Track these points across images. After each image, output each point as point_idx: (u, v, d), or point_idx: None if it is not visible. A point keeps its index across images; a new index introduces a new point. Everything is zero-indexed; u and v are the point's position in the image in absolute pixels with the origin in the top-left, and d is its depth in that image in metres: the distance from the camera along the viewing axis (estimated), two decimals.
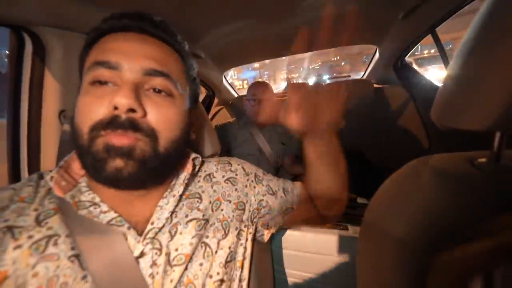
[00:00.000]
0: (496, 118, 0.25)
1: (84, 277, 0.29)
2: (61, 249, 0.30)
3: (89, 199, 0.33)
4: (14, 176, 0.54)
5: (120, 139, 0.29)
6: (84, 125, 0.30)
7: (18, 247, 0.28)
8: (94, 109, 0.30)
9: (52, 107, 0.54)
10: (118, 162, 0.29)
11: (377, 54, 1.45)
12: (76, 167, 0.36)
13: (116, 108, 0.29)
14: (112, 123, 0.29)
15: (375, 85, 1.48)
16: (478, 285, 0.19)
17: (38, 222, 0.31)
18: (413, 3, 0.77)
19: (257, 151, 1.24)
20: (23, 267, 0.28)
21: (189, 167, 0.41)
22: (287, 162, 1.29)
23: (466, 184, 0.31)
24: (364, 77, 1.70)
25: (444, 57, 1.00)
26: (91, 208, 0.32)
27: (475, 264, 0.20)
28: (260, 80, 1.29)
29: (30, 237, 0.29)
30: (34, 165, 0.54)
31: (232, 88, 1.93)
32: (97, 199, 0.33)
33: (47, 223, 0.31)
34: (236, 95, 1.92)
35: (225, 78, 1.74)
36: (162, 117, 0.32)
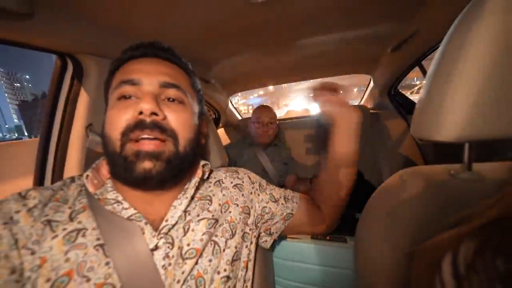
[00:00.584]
0: (462, 130, 0.31)
1: (107, 263, 0.33)
2: (88, 239, 0.34)
3: (113, 197, 0.38)
4: (39, 179, 0.59)
5: (148, 145, 0.35)
6: (114, 132, 0.35)
7: (55, 237, 0.33)
8: (121, 117, 0.35)
9: (81, 122, 0.61)
10: (147, 164, 0.35)
11: (372, 83, 1.58)
12: (104, 170, 0.42)
13: (141, 112, 0.35)
14: (139, 125, 0.35)
15: (371, 111, 1.58)
16: (448, 260, 0.23)
17: (71, 218, 0.35)
18: (401, 38, 0.88)
19: (260, 170, 1.28)
20: (58, 253, 0.32)
21: (199, 173, 0.46)
22: (289, 181, 1.33)
23: (444, 190, 0.36)
24: (361, 103, 1.81)
25: None
26: (115, 205, 0.37)
27: (446, 246, 0.24)
28: (264, 104, 1.39)
29: (64, 229, 0.34)
30: (59, 170, 0.60)
31: (237, 111, 2.04)
32: (120, 198, 0.38)
33: (77, 218, 0.36)
34: (240, 118, 2.02)
35: (231, 102, 1.86)
36: (179, 120, 0.39)
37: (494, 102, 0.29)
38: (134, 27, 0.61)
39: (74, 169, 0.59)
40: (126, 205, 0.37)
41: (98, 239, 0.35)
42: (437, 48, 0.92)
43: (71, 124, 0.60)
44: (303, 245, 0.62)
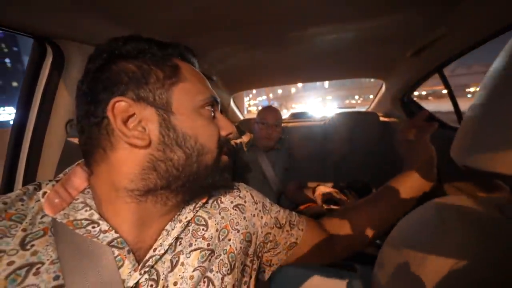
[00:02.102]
0: None
1: None
2: (42, 279, 0.26)
3: (86, 216, 0.30)
4: (8, 181, 0.52)
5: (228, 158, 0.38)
6: (211, 143, 0.34)
7: None
8: (217, 131, 0.36)
9: (60, 116, 0.54)
10: (229, 174, 0.38)
11: (383, 88, 1.49)
12: (77, 181, 0.33)
13: (230, 133, 0.38)
14: (227, 143, 0.38)
15: (381, 119, 1.49)
16: None
17: (23, 245, 0.27)
18: (424, 42, 0.80)
19: (260, 175, 1.21)
20: None
21: (204, 197, 0.39)
22: (290, 189, 1.26)
23: (494, 231, 0.28)
24: (370, 109, 1.73)
25: (451, 94, 1.01)
26: (89, 227, 0.29)
27: None
28: (270, 105, 1.32)
29: (10, 263, 0.26)
30: (31, 172, 0.52)
31: (239, 110, 1.96)
32: (95, 217, 0.30)
33: (33, 246, 0.28)
34: (241, 118, 1.95)
35: (233, 101, 1.79)
36: None
37: None
38: (127, 14, 0.53)
39: (50, 173, 0.52)
40: (104, 226, 0.29)
41: (56, 277, 0.27)
42: (463, 54, 0.84)
43: (48, 119, 0.53)
44: (305, 274, 0.54)
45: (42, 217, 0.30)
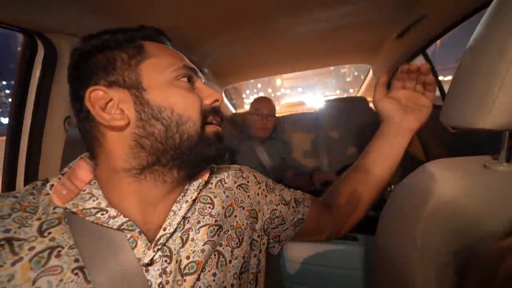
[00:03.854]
0: (505, 117, 0.27)
1: None
2: (64, 261, 0.27)
3: (94, 205, 0.31)
4: (9, 182, 0.51)
5: (219, 129, 0.37)
6: (193, 113, 0.34)
7: (17, 261, 0.26)
8: (197, 100, 0.35)
9: (57, 113, 0.53)
10: (221, 144, 0.37)
11: (371, 73, 1.53)
12: (82, 173, 0.34)
13: (217, 100, 0.37)
14: (214, 110, 0.37)
15: (370, 103, 1.54)
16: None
17: (41, 232, 0.28)
18: (407, 24, 0.83)
19: (258, 165, 1.23)
20: (22, 283, 0.25)
21: (204, 174, 0.40)
22: (287, 176, 1.29)
23: (480, 185, 0.31)
24: (359, 94, 1.77)
25: (435, 74, 1.06)
26: (99, 215, 0.30)
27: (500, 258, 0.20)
28: (264, 96, 1.34)
29: (31, 248, 0.27)
30: (32, 172, 0.52)
31: (231, 104, 1.96)
32: (103, 204, 0.31)
33: (50, 233, 0.28)
34: (233, 111, 1.95)
35: (225, 94, 1.78)
36: None
37: None
38: (119, 7, 0.52)
39: (52, 171, 0.52)
40: (113, 212, 0.30)
41: (76, 260, 0.28)
42: (444, 34, 0.88)
43: (45, 117, 0.52)
44: (312, 245, 0.57)
45: (54, 208, 0.31)
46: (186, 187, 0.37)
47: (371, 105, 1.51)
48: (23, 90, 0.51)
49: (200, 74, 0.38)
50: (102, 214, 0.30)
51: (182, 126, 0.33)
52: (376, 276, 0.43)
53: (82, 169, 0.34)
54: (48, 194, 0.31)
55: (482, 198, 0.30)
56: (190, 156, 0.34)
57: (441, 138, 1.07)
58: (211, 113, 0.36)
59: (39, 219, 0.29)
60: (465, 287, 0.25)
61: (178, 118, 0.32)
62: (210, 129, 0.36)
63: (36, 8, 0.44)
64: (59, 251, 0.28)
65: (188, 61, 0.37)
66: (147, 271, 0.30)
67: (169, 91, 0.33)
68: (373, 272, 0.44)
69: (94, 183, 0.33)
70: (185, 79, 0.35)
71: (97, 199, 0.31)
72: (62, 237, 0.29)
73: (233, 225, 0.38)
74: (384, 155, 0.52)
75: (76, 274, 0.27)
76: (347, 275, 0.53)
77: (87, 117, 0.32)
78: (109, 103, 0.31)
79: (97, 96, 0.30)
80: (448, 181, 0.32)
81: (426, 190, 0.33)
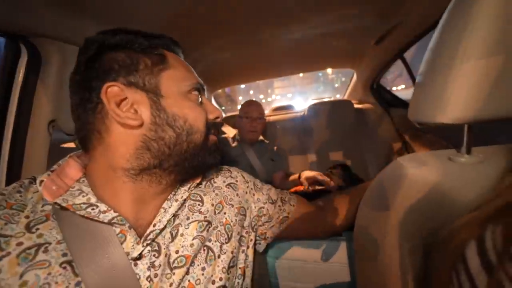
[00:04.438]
0: (463, 111, 0.30)
1: (77, 284, 0.27)
2: (51, 255, 0.28)
3: (84, 201, 0.31)
4: None
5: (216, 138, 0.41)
6: (200, 124, 0.37)
7: (4, 256, 0.26)
8: (204, 113, 0.38)
9: (41, 117, 0.52)
10: (218, 153, 0.40)
11: (355, 77, 1.60)
12: (72, 171, 0.35)
13: (217, 117, 0.40)
14: (213, 126, 0.40)
15: (355, 106, 1.60)
16: (473, 248, 0.20)
17: (29, 228, 0.29)
18: (384, 30, 0.89)
19: (248, 167, 1.25)
20: (9, 277, 0.25)
21: (197, 177, 0.41)
22: (277, 178, 1.30)
23: (445, 175, 0.34)
24: (345, 97, 1.84)
25: (412, 77, 1.12)
26: (89, 209, 0.30)
27: (467, 234, 0.22)
28: (252, 100, 1.36)
29: (19, 244, 0.27)
30: (14, 177, 0.51)
31: (219, 108, 1.98)
32: (93, 200, 0.31)
33: (38, 230, 0.29)
34: (223, 115, 1.96)
35: (214, 98, 1.79)
36: None
37: (496, 82, 0.28)
38: (106, 12, 0.53)
39: (35, 174, 0.51)
40: (103, 207, 0.31)
41: (64, 254, 0.28)
42: (419, 39, 0.94)
43: (28, 121, 0.51)
44: (298, 243, 0.59)
45: (42, 206, 0.31)
46: (177, 186, 0.38)
47: (355, 107, 1.57)
48: (5, 95, 0.50)
49: (205, 89, 0.41)
50: (93, 209, 0.30)
51: (191, 136, 0.35)
52: (357, 266, 0.45)
53: (72, 167, 0.35)
54: (36, 191, 0.32)
55: (447, 187, 0.33)
56: (192, 163, 0.36)
57: (420, 135, 1.13)
58: (213, 126, 0.40)
59: (27, 216, 0.29)
60: (429, 268, 0.27)
61: (189, 128, 0.35)
62: (211, 139, 0.39)
63: (20, 12, 0.44)
64: (46, 247, 0.28)
65: (198, 77, 0.40)
66: (135, 265, 0.31)
67: (183, 103, 0.35)
68: (355, 263, 0.46)
69: (84, 180, 0.33)
70: (197, 93, 0.38)
71: (86, 195, 0.31)
72: (50, 233, 0.29)
73: (222, 222, 0.40)
74: None
75: (64, 267, 0.27)
76: (332, 269, 0.55)
77: (94, 108, 0.32)
78: (123, 101, 0.32)
79: (112, 91, 0.31)
80: (417, 173, 0.35)
81: (397, 182, 0.36)
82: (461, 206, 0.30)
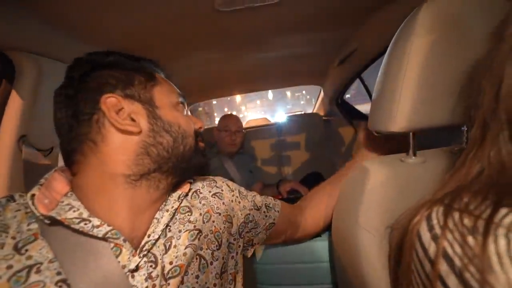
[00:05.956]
0: (408, 121, 0.38)
1: None
2: (45, 275, 0.27)
3: (75, 215, 0.31)
4: None
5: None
6: (190, 131, 0.41)
7: None
8: (191, 123, 0.42)
9: (11, 132, 0.49)
10: (206, 158, 0.45)
11: (322, 93, 1.76)
12: (57, 185, 0.34)
13: (201, 127, 0.44)
14: (199, 134, 0.44)
15: (323, 118, 1.75)
16: (424, 226, 0.27)
17: (17, 250, 0.27)
18: (344, 54, 1.03)
19: (228, 179, 1.26)
20: None
21: (186, 186, 0.43)
22: (256, 189, 1.34)
23: (398, 174, 0.42)
24: (314, 111, 2.00)
25: (369, 94, 1.29)
26: (82, 224, 0.30)
27: (419, 215, 0.28)
28: (231, 113, 1.41)
29: (9, 267, 0.26)
30: None
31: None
32: (85, 214, 0.31)
33: (27, 251, 0.28)
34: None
35: (190, 113, 1.79)
36: None
37: (431, 97, 0.37)
38: (83, 26, 0.54)
39: (4, 193, 0.47)
40: (96, 222, 0.31)
41: (59, 273, 0.28)
42: (374, 62, 1.11)
43: None
44: (282, 247, 0.63)
45: (28, 225, 0.30)
46: (167, 197, 0.40)
47: (324, 119, 1.72)
48: None
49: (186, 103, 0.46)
50: (85, 224, 0.30)
51: (186, 139, 0.39)
52: (335, 263, 0.50)
53: (58, 181, 0.34)
54: (18, 210, 0.31)
55: (400, 183, 0.41)
56: (188, 163, 0.40)
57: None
58: (199, 134, 0.44)
59: (13, 237, 0.28)
60: (394, 250, 0.33)
61: (183, 132, 0.38)
62: (200, 144, 0.44)
63: None
64: (38, 268, 0.27)
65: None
66: (133, 276, 0.31)
67: (174, 112, 0.39)
68: (331, 257, 0.51)
69: (72, 194, 0.33)
70: (182, 106, 0.42)
71: (78, 209, 0.31)
72: (40, 253, 0.28)
73: (211, 230, 0.41)
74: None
75: (60, 286, 0.27)
76: (315, 268, 0.59)
77: (89, 120, 0.33)
78: (120, 111, 0.34)
79: (111, 102, 0.34)
80: (378, 172, 0.42)
81: (363, 181, 0.42)
82: (412, 196, 0.38)
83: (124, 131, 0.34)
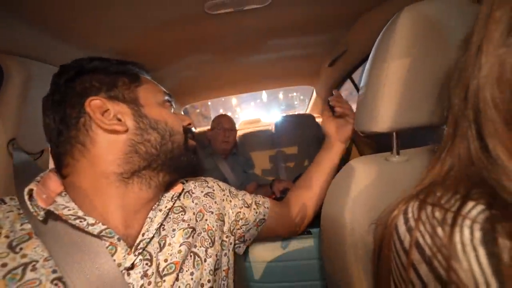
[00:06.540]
0: (390, 122, 0.39)
1: None
2: (41, 273, 0.27)
3: (71, 213, 0.31)
4: None
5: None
6: (179, 128, 0.41)
7: None
8: (179, 120, 0.42)
9: (0, 135, 0.49)
10: (197, 155, 0.45)
11: (315, 93, 1.79)
12: (52, 184, 0.34)
13: (189, 124, 0.45)
14: (189, 131, 0.44)
15: (316, 119, 1.77)
16: (401, 219, 0.28)
17: (12, 248, 0.28)
18: (334, 56, 1.05)
19: (222, 180, 1.26)
20: None
21: (179, 187, 0.44)
22: (250, 189, 1.35)
23: (382, 172, 0.43)
24: (307, 112, 2.02)
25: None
26: (77, 221, 0.31)
27: (398, 210, 0.30)
28: (223, 113, 1.42)
29: (4, 265, 0.26)
30: None
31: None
32: (80, 213, 0.31)
33: (22, 249, 0.28)
34: (194, 130, 1.96)
35: (183, 113, 1.79)
36: None
37: (412, 99, 0.38)
38: (70, 29, 0.54)
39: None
40: (91, 220, 0.31)
41: (54, 271, 0.28)
42: (363, 63, 1.14)
43: None
44: (273, 245, 0.64)
45: (21, 225, 0.31)
46: (160, 197, 0.40)
47: (317, 120, 1.75)
48: None
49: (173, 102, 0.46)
50: (81, 221, 0.31)
51: (173, 136, 0.39)
52: (324, 260, 0.51)
53: (53, 181, 0.35)
54: (10, 211, 0.31)
55: (384, 181, 0.42)
56: (178, 161, 0.40)
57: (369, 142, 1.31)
58: (188, 132, 0.45)
59: (7, 236, 0.29)
60: (377, 245, 0.35)
61: (171, 129, 0.39)
62: (190, 142, 0.44)
63: None
64: (34, 265, 0.28)
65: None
66: (128, 274, 0.31)
67: (161, 110, 0.39)
68: (322, 257, 0.52)
69: (65, 194, 0.33)
70: (169, 104, 0.43)
71: (72, 209, 0.32)
72: (35, 251, 0.29)
73: (204, 228, 0.42)
74: (324, 163, 0.64)
75: (55, 284, 0.27)
76: (305, 265, 0.61)
77: (76, 123, 0.34)
78: (105, 112, 0.35)
79: (96, 104, 0.34)
80: (363, 171, 0.43)
81: (349, 180, 0.44)
82: (396, 194, 0.39)
83: (111, 131, 0.34)
